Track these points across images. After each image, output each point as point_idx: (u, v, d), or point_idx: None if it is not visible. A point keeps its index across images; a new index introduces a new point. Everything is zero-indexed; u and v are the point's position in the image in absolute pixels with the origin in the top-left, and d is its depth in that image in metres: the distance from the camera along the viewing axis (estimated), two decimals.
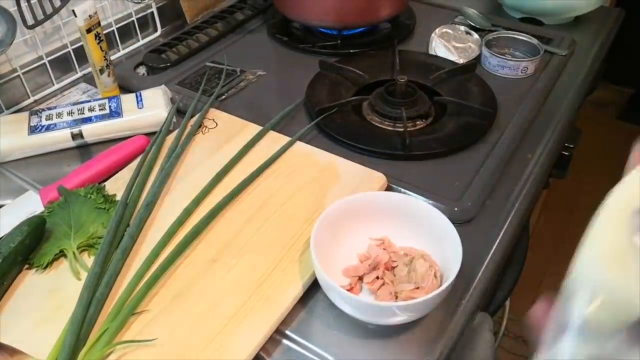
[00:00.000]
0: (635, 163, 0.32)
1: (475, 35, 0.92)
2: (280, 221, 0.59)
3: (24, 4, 0.76)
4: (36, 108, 0.75)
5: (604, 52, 0.95)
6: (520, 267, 0.84)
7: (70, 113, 0.72)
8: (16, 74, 0.80)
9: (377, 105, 0.76)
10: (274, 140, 0.71)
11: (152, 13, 0.98)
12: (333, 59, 0.86)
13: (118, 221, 0.58)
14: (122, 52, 0.93)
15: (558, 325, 0.29)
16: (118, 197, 0.62)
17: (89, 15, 0.74)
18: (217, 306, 0.51)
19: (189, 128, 0.72)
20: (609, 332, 0.28)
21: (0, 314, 0.51)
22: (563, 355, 0.29)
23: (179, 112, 0.77)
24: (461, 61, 0.87)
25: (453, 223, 0.52)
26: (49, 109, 0.73)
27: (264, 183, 0.64)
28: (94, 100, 0.75)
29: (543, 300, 0.32)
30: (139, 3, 0.93)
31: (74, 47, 0.85)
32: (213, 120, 0.74)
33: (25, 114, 0.73)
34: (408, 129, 0.72)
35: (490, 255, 0.58)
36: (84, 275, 0.54)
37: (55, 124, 0.71)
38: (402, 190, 0.64)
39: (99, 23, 0.75)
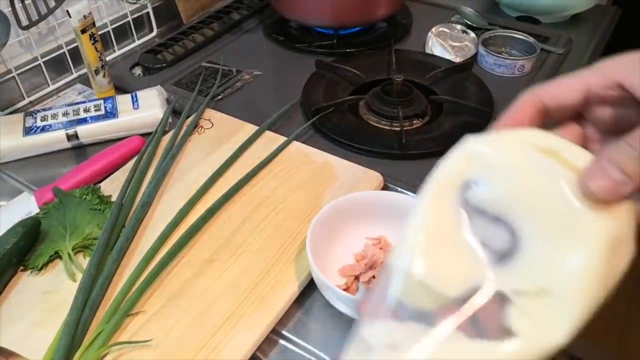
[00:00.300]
0: (519, 115, 0.31)
1: (472, 34, 0.91)
2: (277, 221, 0.59)
3: (18, 5, 0.75)
4: (31, 109, 0.75)
5: (600, 51, 0.95)
6: None
7: (65, 114, 0.72)
8: (11, 75, 0.80)
9: (374, 104, 0.76)
10: (270, 140, 0.70)
11: (147, 13, 0.97)
12: (329, 59, 0.86)
13: (113, 222, 0.57)
14: (117, 53, 0.93)
15: (376, 305, 0.29)
16: (113, 198, 0.62)
17: (84, 16, 0.73)
18: (213, 306, 0.50)
19: (184, 128, 0.72)
20: (422, 313, 0.28)
21: None
22: (373, 334, 0.28)
23: (175, 113, 0.77)
24: (458, 60, 0.87)
25: None
26: (44, 110, 0.73)
27: (260, 183, 0.64)
28: (89, 101, 0.75)
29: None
30: (134, 3, 0.93)
31: (69, 47, 0.85)
32: (209, 120, 0.74)
33: (20, 115, 0.72)
34: (405, 128, 0.72)
35: None
36: (79, 276, 0.53)
37: (50, 125, 0.71)
38: (399, 189, 0.64)
39: (93, 23, 0.75)
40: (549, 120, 0.32)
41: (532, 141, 0.29)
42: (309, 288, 0.53)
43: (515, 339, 0.26)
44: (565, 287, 0.26)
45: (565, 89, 0.31)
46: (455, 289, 0.28)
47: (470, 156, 0.30)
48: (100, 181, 0.65)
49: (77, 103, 0.74)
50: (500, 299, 0.27)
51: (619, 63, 0.30)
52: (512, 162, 0.29)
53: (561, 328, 0.26)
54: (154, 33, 0.99)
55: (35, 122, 0.71)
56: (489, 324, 0.27)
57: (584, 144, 0.28)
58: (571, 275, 0.26)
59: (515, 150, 0.29)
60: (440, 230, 0.29)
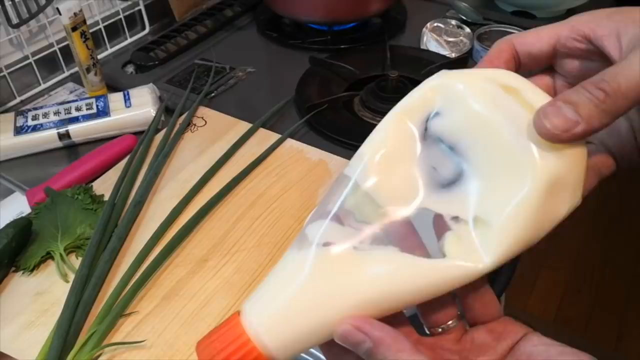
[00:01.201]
0: (494, 59, 0.33)
1: (467, 29, 0.91)
2: (271, 219, 0.58)
3: (7, 3, 0.74)
4: (22, 108, 0.74)
5: None
6: (515, 262, 0.84)
7: (56, 113, 0.71)
8: (2, 74, 0.79)
9: (369, 100, 0.75)
10: (264, 137, 0.70)
11: (139, 11, 0.96)
12: (323, 55, 0.86)
13: (106, 222, 0.57)
14: (109, 51, 0.92)
15: (323, 209, 0.30)
16: (106, 198, 0.61)
17: (74, 13, 0.72)
18: (207, 306, 0.50)
19: (177, 126, 0.71)
20: (363, 223, 0.29)
21: None
22: (314, 231, 0.29)
23: (168, 111, 0.76)
24: (453, 55, 0.86)
25: None
26: (35, 109, 0.72)
27: (254, 181, 0.64)
28: (81, 99, 0.74)
29: None
30: (126, 1, 0.92)
31: (60, 46, 0.84)
32: (202, 118, 0.74)
33: (11, 115, 0.72)
34: None
35: None
36: (71, 277, 0.53)
37: (41, 124, 0.70)
38: None
39: (84, 21, 0.74)
40: (521, 69, 0.33)
41: (496, 78, 0.30)
42: None
43: (443, 258, 0.28)
44: (499, 219, 0.28)
45: (536, 37, 0.32)
46: (397, 205, 0.29)
47: (438, 86, 0.31)
48: (93, 180, 0.65)
49: (69, 102, 0.73)
50: (439, 221, 0.29)
51: (589, 17, 0.31)
52: (472, 95, 0.29)
53: (486, 256, 0.28)
54: (146, 30, 0.98)
55: (27, 121, 0.70)
56: (424, 242, 0.28)
57: (553, 95, 0.29)
58: (507, 208, 0.27)
59: (479, 85, 0.30)
60: (395, 149, 0.31)
